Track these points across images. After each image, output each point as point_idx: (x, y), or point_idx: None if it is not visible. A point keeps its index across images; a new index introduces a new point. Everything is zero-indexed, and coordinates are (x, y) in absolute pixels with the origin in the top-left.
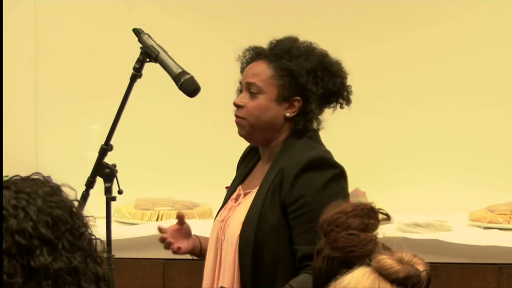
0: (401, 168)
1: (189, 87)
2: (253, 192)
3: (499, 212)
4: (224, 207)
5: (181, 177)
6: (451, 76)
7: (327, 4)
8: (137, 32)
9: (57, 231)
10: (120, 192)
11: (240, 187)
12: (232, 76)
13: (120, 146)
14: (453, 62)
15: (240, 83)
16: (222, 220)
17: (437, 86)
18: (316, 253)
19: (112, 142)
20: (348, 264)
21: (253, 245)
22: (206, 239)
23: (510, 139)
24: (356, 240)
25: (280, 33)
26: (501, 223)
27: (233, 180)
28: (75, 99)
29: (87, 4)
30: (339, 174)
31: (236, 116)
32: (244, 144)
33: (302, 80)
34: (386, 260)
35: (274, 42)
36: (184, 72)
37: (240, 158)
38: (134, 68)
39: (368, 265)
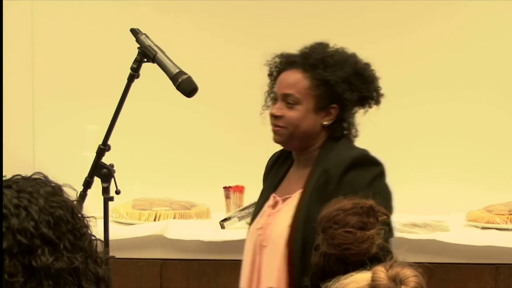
0: (398, 168)
1: (187, 87)
2: (294, 197)
3: (497, 212)
4: (259, 215)
5: (178, 177)
6: (448, 75)
7: (327, 3)
8: (135, 32)
9: (59, 231)
10: (117, 192)
11: (274, 194)
12: (230, 76)
13: (117, 146)
14: (450, 62)
15: (274, 92)
16: (261, 228)
17: (435, 86)
18: (314, 249)
19: (109, 142)
20: (344, 261)
21: (302, 245)
22: None
23: (508, 139)
24: (352, 238)
25: (281, 32)
26: (498, 223)
27: (264, 189)
28: (72, 99)
29: (84, 4)
30: (382, 172)
31: (275, 125)
32: (241, 145)
33: (339, 89)
34: (380, 273)
35: (307, 50)
36: (181, 72)
37: (267, 167)
38: (132, 68)
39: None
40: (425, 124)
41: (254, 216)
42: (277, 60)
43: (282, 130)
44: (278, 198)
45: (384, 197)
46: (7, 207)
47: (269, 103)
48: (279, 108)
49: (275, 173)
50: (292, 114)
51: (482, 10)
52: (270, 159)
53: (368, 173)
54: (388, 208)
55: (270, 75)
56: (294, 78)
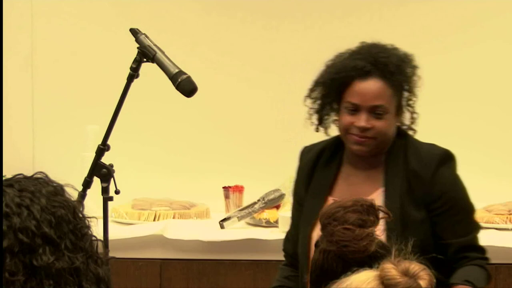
0: None
1: (186, 87)
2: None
3: (496, 212)
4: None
5: (178, 177)
6: (446, 74)
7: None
8: (134, 32)
9: (60, 231)
10: (117, 192)
11: (332, 198)
12: (230, 76)
13: (117, 146)
14: (450, 61)
15: (353, 103)
16: None
17: (432, 85)
18: (315, 246)
19: (109, 142)
20: (343, 258)
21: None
22: None
23: (508, 139)
24: (351, 235)
25: (281, 32)
26: (498, 223)
27: (312, 192)
28: (72, 99)
29: (84, 4)
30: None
31: (362, 137)
32: (240, 145)
33: (410, 90)
34: (390, 270)
35: (382, 57)
36: (181, 72)
37: (304, 170)
38: (131, 68)
39: (374, 269)
40: (424, 124)
41: (311, 221)
42: (344, 69)
43: (370, 141)
44: None
45: (464, 187)
46: (9, 206)
47: (327, 109)
48: (367, 120)
49: (322, 176)
50: (381, 124)
51: (484, 9)
52: (304, 159)
53: (451, 168)
54: (468, 195)
55: (329, 80)
56: (378, 88)
